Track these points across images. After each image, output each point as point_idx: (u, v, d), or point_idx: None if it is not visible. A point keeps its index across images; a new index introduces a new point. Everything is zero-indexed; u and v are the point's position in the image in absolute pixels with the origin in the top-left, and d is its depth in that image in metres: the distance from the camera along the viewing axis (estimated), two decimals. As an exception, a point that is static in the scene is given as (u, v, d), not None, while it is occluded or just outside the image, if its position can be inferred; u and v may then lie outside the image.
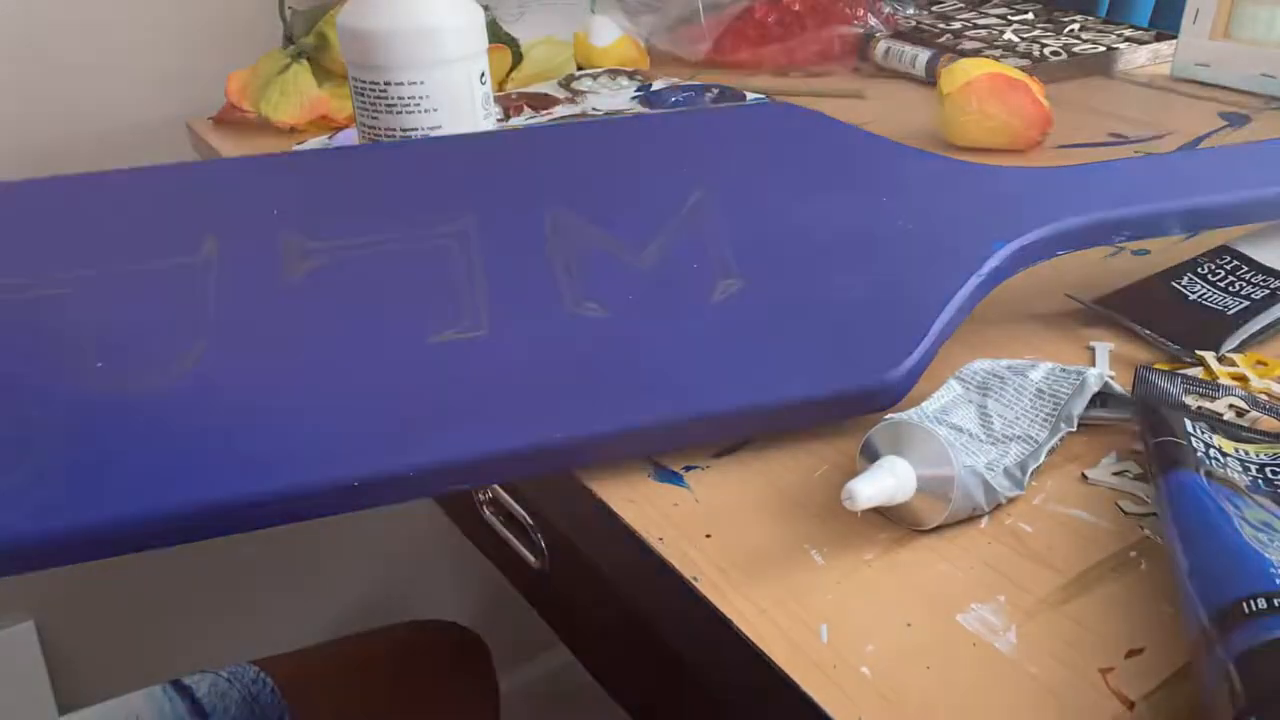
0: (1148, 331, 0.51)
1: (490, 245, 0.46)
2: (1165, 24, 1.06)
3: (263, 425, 0.40)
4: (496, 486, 0.48)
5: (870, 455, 0.40)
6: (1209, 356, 0.48)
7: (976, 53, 0.96)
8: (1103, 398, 0.45)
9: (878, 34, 1.00)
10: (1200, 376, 0.47)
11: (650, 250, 0.47)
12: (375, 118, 0.58)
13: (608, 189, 0.49)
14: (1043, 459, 0.41)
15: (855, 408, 0.43)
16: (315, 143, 0.81)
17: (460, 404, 0.41)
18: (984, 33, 1.03)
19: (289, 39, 0.90)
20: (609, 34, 0.97)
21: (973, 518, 0.40)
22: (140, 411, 0.40)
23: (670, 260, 0.46)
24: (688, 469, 0.43)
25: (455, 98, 0.58)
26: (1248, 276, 0.54)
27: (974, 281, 0.46)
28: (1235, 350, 0.49)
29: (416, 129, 0.58)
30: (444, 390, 0.41)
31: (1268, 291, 0.52)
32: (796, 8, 1.04)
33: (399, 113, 0.58)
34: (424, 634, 0.82)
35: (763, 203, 0.49)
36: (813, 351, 0.43)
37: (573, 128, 0.54)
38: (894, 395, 0.43)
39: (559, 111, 0.84)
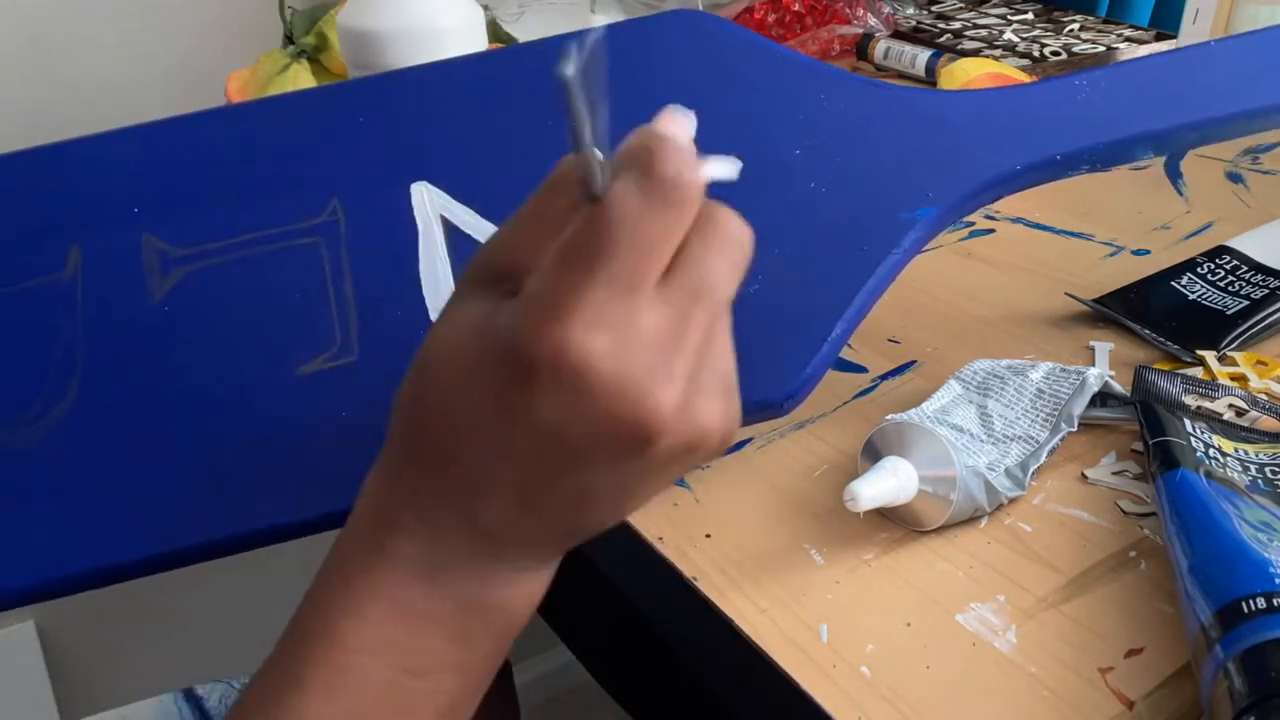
0: (1148, 331, 0.51)
1: (355, 242, 0.41)
2: (1165, 24, 1.06)
3: (144, 484, 0.37)
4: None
5: (871, 456, 0.40)
6: (1209, 356, 0.48)
7: (976, 53, 0.96)
8: (1103, 398, 0.45)
9: (878, 34, 1.00)
10: (1200, 376, 0.47)
11: None
12: (375, 118, 0.58)
13: (475, 148, 0.43)
14: (1044, 459, 0.41)
15: (751, 419, 0.39)
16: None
17: (320, 453, 0.37)
18: (984, 33, 1.03)
19: (289, 39, 0.90)
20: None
21: (973, 518, 0.40)
22: (11, 471, 0.37)
23: None
24: (688, 469, 0.43)
25: (455, 98, 0.58)
26: (1247, 276, 0.54)
27: (891, 260, 0.40)
28: (1235, 350, 0.49)
29: (416, 129, 0.58)
30: (313, 433, 0.37)
31: (1267, 291, 0.52)
32: (796, 8, 1.04)
33: (399, 113, 0.58)
34: None
35: None
36: None
37: (438, 67, 0.47)
38: (793, 404, 0.39)
39: (559, 111, 0.84)
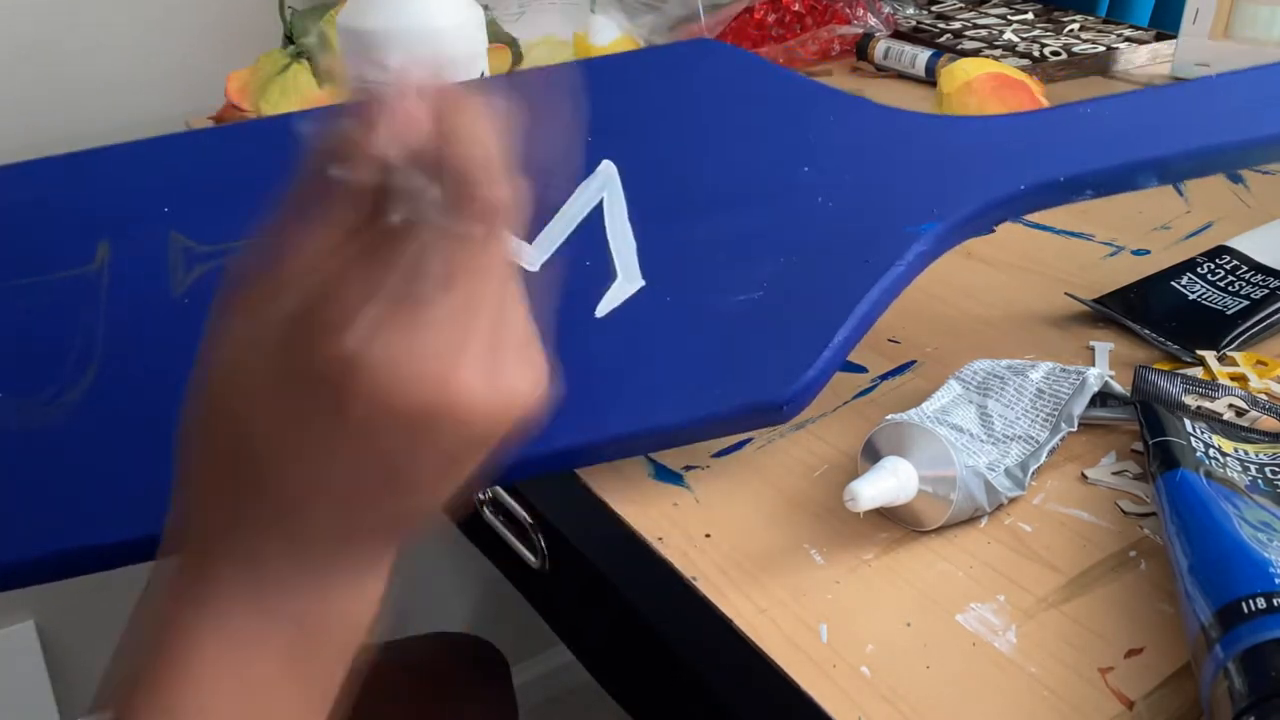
0: (1148, 331, 0.51)
1: None
2: (1165, 24, 1.06)
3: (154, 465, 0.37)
4: (497, 487, 0.48)
5: (871, 456, 0.40)
6: (1209, 356, 0.48)
7: (976, 53, 0.96)
8: (1103, 398, 0.45)
9: (878, 34, 1.00)
10: (1200, 376, 0.47)
11: (540, 243, 0.42)
12: (375, 118, 0.59)
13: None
14: (1044, 459, 0.41)
15: (752, 423, 0.40)
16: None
17: None
18: (984, 33, 1.03)
19: (289, 39, 0.90)
20: (609, 34, 0.97)
21: (973, 518, 0.40)
22: (24, 449, 0.38)
23: (561, 258, 0.42)
24: (688, 469, 0.43)
25: (455, 98, 0.58)
26: (1247, 276, 0.54)
27: (894, 272, 0.41)
28: (1235, 350, 0.49)
29: (416, 129, 0.58)
30: None
31: (1267, 291, 0.52)
32: (796, 7, 1.04)
33: (399, 113, 0.58)
34: (443, 648, 0.82)
35: (667, 179, 0.44)
36: (705, 369, 0.39)
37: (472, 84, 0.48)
38: (793, 409, 0.39)
39: (559, 111, 0.84)
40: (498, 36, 0.92)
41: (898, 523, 0.40)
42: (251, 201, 0.44)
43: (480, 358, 0.27)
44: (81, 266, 0.42)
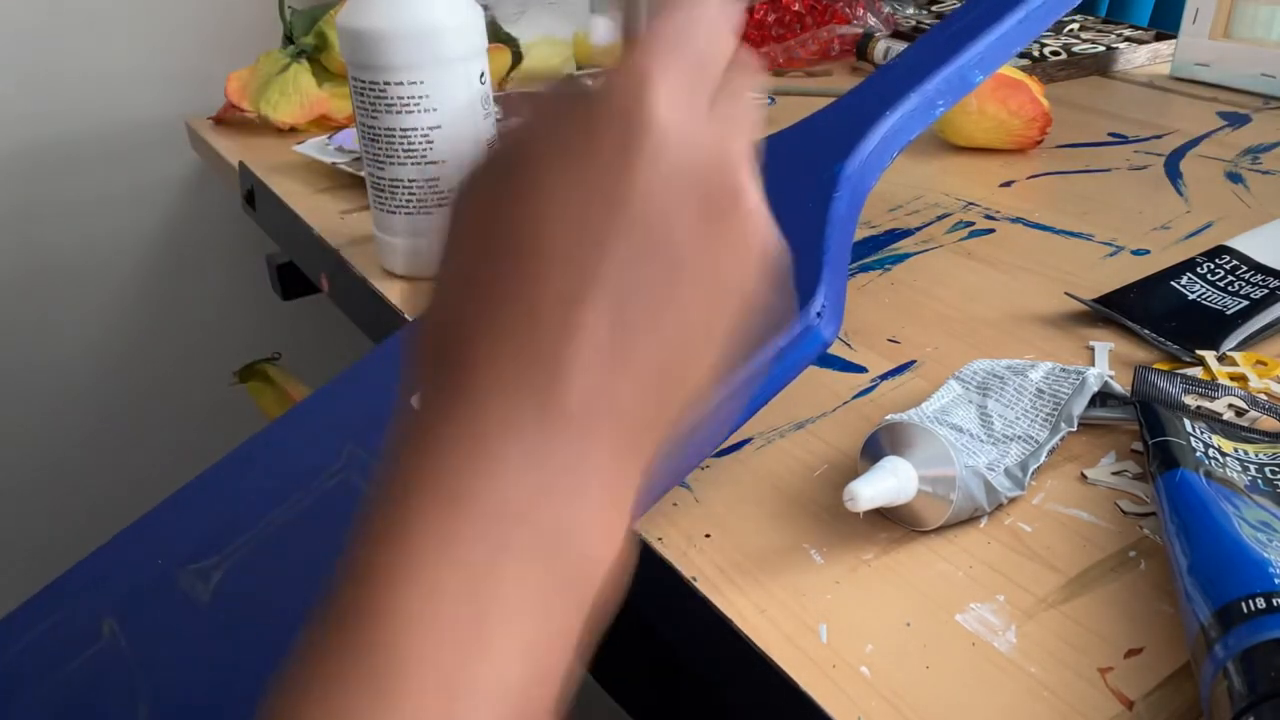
0: (1148, 331, 0.51)
1: None
2: (1165, 24, 1.06)
3: None
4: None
5: (871, 456, 0.40)
6: (1209, 356, 0.48)
7: (976, 52, 0.96)
8: (1102, 398, 0.45)
9: (877, 34, 0.99)
10: (1200, 376, 0.47)
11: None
12: (375, 118, 0.58)
13: None
14: (1043, 459, 0.41)
15: (800, 356, 0.40)
16: (315, 142, 0.81)
17: None
18: (984, 32, 1.03)
19: (289, 39, 0.90)
20: (609, 33, 0.97)
21: (973, 518, 0.40)
22: None
23: None
24: (688, 469, 0.43)
25: (455, 97, 0.58)
26: (1247, 276, 0.54)
27: (841, 197, 0.44)
28: (1235, 350, 0.49)
29: (416, 128, 0.58)
30: None
31: (1267, 291, 0.52)
32: (796, 7, 1.04)
33: (398, 113, 0.58)
34: None
35: None
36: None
37: None
38: (822, 321, 0.39)
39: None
40: (497, 36, 0.92)
41: (898, 523, 0.40)
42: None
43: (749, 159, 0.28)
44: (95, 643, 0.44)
